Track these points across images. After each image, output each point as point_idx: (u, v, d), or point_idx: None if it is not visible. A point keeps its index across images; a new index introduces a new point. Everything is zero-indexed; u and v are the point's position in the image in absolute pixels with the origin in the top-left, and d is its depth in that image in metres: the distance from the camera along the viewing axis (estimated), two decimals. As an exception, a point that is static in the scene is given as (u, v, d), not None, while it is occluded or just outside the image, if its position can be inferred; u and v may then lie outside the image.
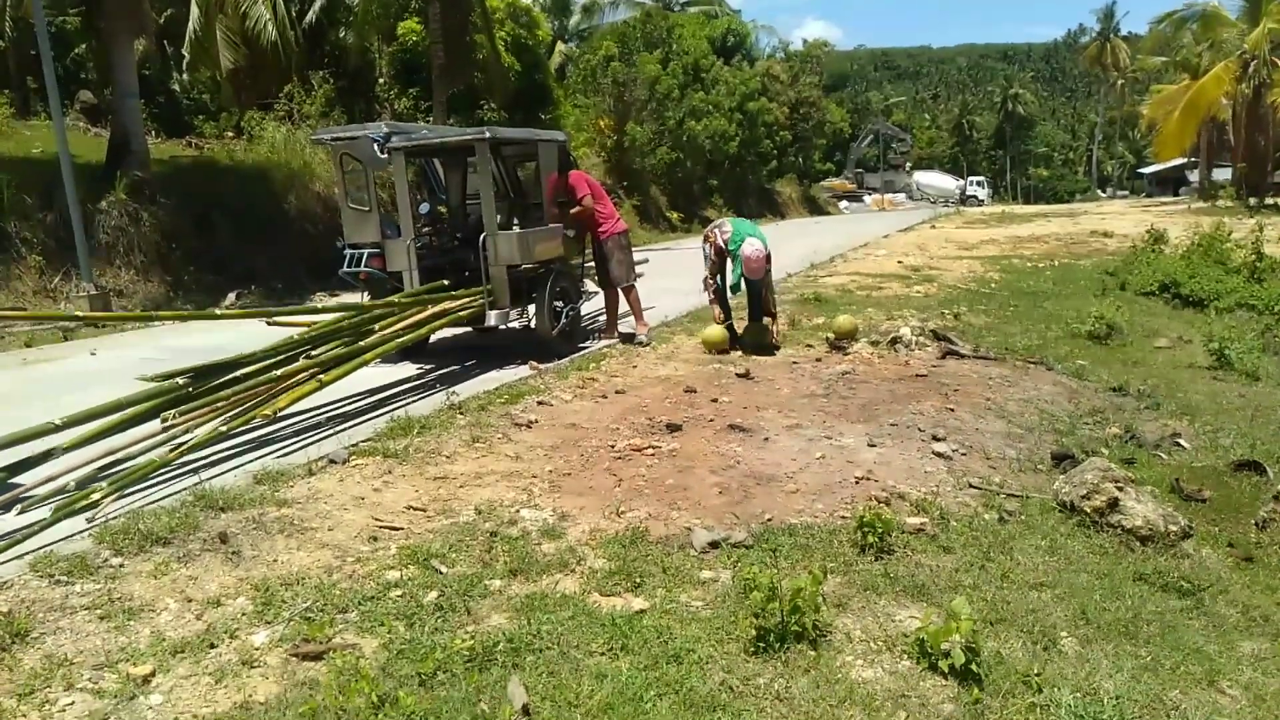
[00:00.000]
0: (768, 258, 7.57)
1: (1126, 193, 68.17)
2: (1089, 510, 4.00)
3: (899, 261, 15.61)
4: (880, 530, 3.61)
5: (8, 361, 8.38)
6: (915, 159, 69.25)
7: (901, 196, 58.79)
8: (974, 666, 2.74)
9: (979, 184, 62.43)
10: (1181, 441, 5.46)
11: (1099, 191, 72.48)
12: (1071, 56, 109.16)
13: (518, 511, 4.08)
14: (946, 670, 2.75)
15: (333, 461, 4.68)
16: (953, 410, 5.75)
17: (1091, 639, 3.06)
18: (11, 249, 11.50)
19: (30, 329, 10.19)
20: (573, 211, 8.01)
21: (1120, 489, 4.02)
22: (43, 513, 3.91)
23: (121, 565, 3.47)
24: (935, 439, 5.11)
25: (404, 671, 2.74)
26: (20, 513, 3.91)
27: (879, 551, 3.60)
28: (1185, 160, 44.72)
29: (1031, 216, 32.06)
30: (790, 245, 19.64)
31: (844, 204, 54.78)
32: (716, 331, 7.73)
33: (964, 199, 56.62)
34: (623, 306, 8.54)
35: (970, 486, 4.48)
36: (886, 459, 4.82)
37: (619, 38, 34.32)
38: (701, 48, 36.62)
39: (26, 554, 3.55)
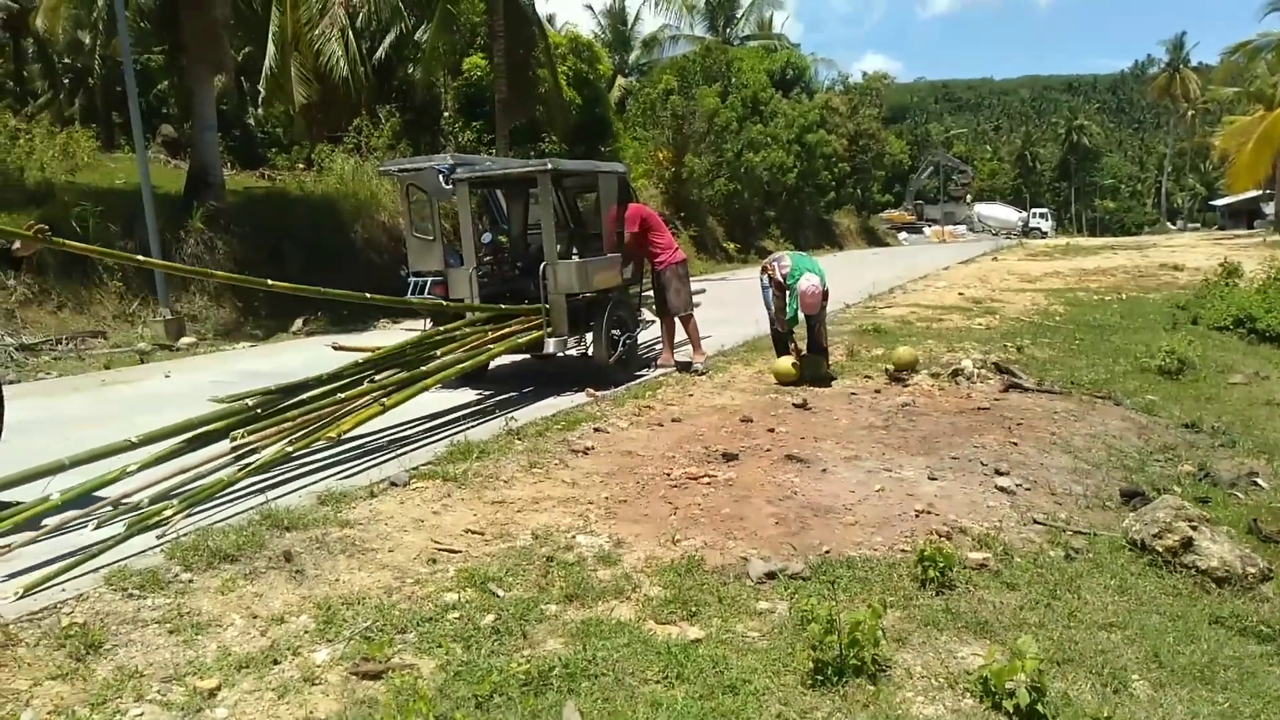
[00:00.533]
0: (825, 294, 7.54)
1: (1198, 225, 66.22)
2: (1161, 549, 3.87)
3: (960, 293, 15.38)
4: (941, 565, 3.53)
5: (87, 383, 8.72)
6: (976, 191, 68.30)
7: (962, 228, 57.90)
8: (1040, 707, 2.66)
9: (1042, 216, 61.16)
10: (1259, 480, 5.25)
11: (1168, 224, 70.55)
12: (1139, 87, 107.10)
13: (574, 537, 4.09)
14: (1011, 710, 2.67)
15: (394, 484, 4.77)
16: (1016, 444, 5.63)
17: (1164, 683, 2.95)
18: (95, 275, 12.00)
19: (108, 352, 10.60)
20: (627, 243, 8.12)
21: (1195, 528, 3.88)
22: (117, 528, 4.05)
23: (191, 581, 3.57)
24: (998, 473, 5.00)
25: (461, 693, 2.76)
26: (96, 528, 4.05)
27: (940, 586, 3.52)
28: (1260, 192, 43.39)
29: (1097, 249, 31.34)
30: (848, 276, 19.50)
31: (903, 235, 54.22)
32: (784, 363, 7.68)
33: (1027, 231, 55.50)
34: (679, 335, 8.56)
35: (1035, 522, 4.37)
36: (947, 492, 4.73)
37: (678, 71, 34.73)
38: (760, 81, 36.81)
39: (101, 568, 3.67)
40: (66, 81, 26.18)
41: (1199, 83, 61.12)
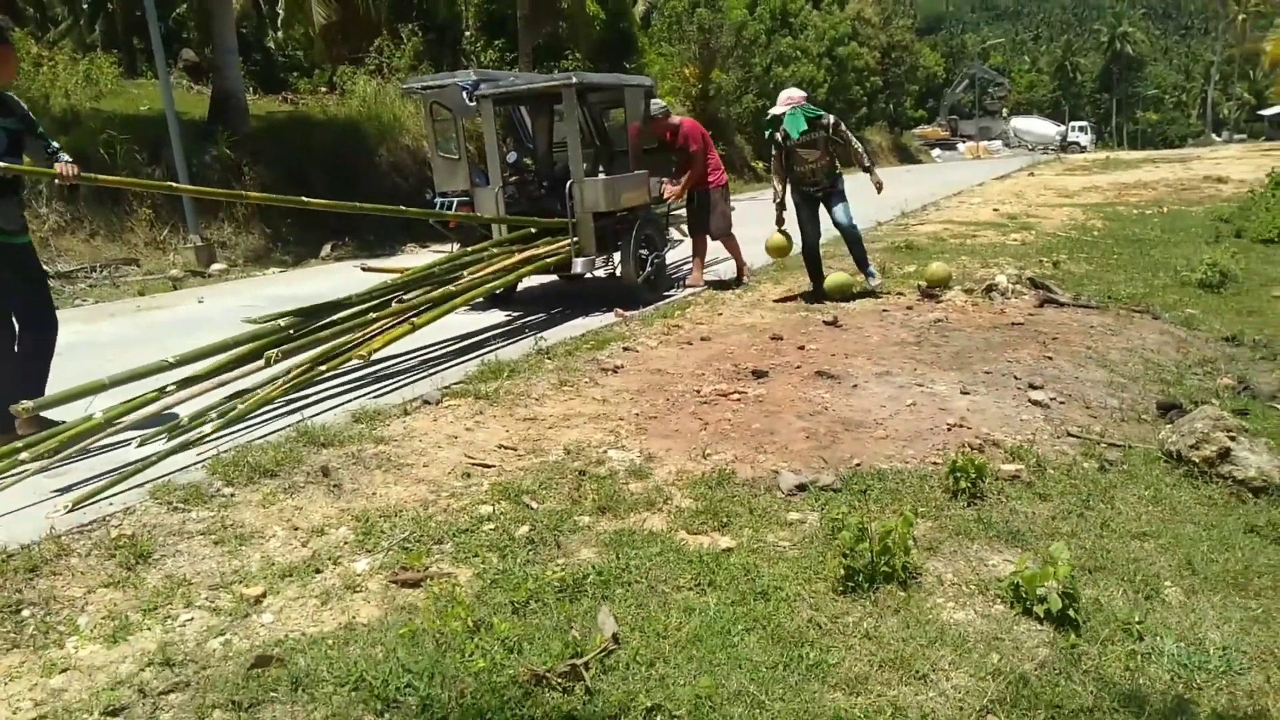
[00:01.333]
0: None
1: (1244, 137, 63.81)
2: (1198, 460, 3.83)
3: (994, 209, 15.05)
4: (973, 475, 3.53)
5: (123, 309, 8.85)
6: (1013, 104, 66.23)
7: (998, 144, 56.35)
8: (1071, 612, 2.67)
9: (1081, 129, 59.21)
10: (1301, 393, 5.16)
11: (1213, 136, 68.01)
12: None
13: (605, 452, 4.13)
14: (1042, 615, 2.69)
15: (426, 402, 4.82)
16: (1051, 359, 5.55)
17: (1197, 590, 2.94)
18: (126, 203, 12.06)
19: (142, 278, 10.72)
20: (689, 169, 8.10)
21: (1233, 438, 3.82)
22: (157, 446, 4.15)
23: (232, 495, 3.66)
24: (1032, 387, 4.95)
25: (497, 600, 2.83)
26: (139, 444, 4.14)
27: (971, 497, 3.52)
28: (1313, 100, 41.62)
29: (1139, 162, 30.42)
30: (881, 193, 19.14)
31: (936, 152, 52.93)
32: (776, 238, 7.71)
33: (1065, 145, 53.84)
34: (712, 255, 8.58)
35: (1069, 435, 4.33)
36: (980, 407, 4.70)
37: (704, -17, 33.62)
38: (790, -9, 35.61)
39: (146, 483, 3.77)
40: (86, 7, 25.88)
41: (1253, -15, 58.24)
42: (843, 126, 7.52)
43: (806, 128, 7.34)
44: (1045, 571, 2.72)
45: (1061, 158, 39.89)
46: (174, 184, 6.00)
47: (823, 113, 7.48)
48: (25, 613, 2.82)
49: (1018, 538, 3.24)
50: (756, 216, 10.00)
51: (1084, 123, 62.15)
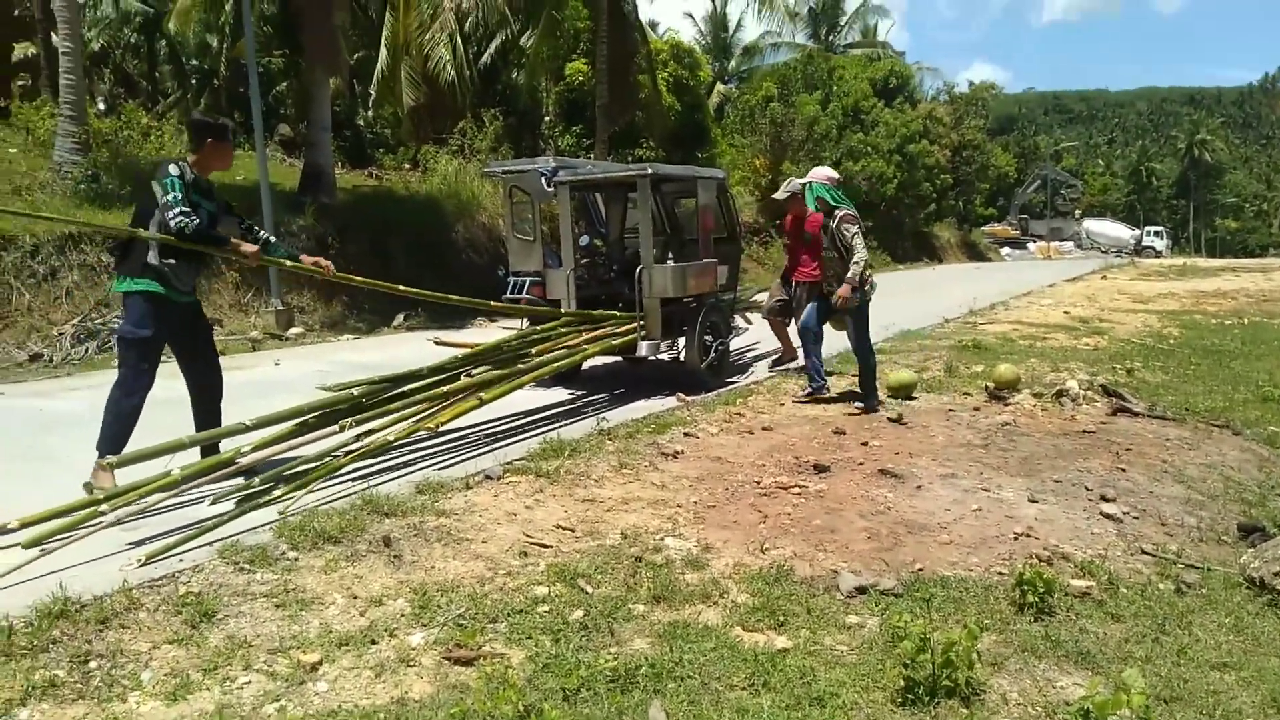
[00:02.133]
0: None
1: (1330, 249, 62.14)
2: (1282, 589, 3.65)
3: (1066, 312, 14.83)
4: (1041, 590, 3.41)
5: (204, 367, 9.17)
6: (1086, 206, 65.77)
7: (1069, 245, 55.77)
8: (1145, 745, 2.55)
9: (1157, 234, 58.32)
10: (1395, 523, 4.90)
11: (1296, 246, 66.41)
12: (1268, 101, 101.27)
13: (662, 539, 4.12)
14: (1114, 745, 2.57)
15: (488, 477, 4.88)
16: (1124, 470, 5.39)
17: (1282, 729, 2.78)
18: (215, 266, 12.63)
19: (224, 340, 11.13)
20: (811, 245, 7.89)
21: (1320, 568, 3.65)
22: (230, 505, 4.26)
23: (296, 559, 3.73)
24: (1104, 499, 4.80)
25: (549, 685, 2.81)
26: (212, 503, 4.27)
27: (1039, 612, 3.41)
28: (1403, 215, 40.43)
29: (1217, 270, 29.77)
30: (949, 290, 19.05)
31: (1006, 250, 52.57)
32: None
33: (1139, 249, 53.03)
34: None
35: (1143, 553, 4.17)
36: (1049, 516, 4.57)
37: (779, 79, 34.58)
38: (862, 89, 36.31)
39: (215, 542, 3.87)
40: (194, 82, 27.68)
41: (1337, 97, 57.39)
42: (846, 225, 6.79)
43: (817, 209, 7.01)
44: (1118, 699, 2.60)
45: (1136, 262, 39.25)
46: (402, 287, 6.73)
47: (836, 202, 6.90)
48: (92, 664, 2.89)
49: (1088, 659, 3.12)
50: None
51: (1159, 228, 61.25)
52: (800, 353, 8.35)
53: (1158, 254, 51.87)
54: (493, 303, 7.43)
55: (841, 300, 6.75)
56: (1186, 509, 4.83)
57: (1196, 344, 11.32)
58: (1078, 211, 62.33)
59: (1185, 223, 71.49)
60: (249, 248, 4.92)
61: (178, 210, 4.53)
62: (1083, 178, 69.44)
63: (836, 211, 6.85)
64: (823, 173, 7.25)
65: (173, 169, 4.62)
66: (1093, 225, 59.71)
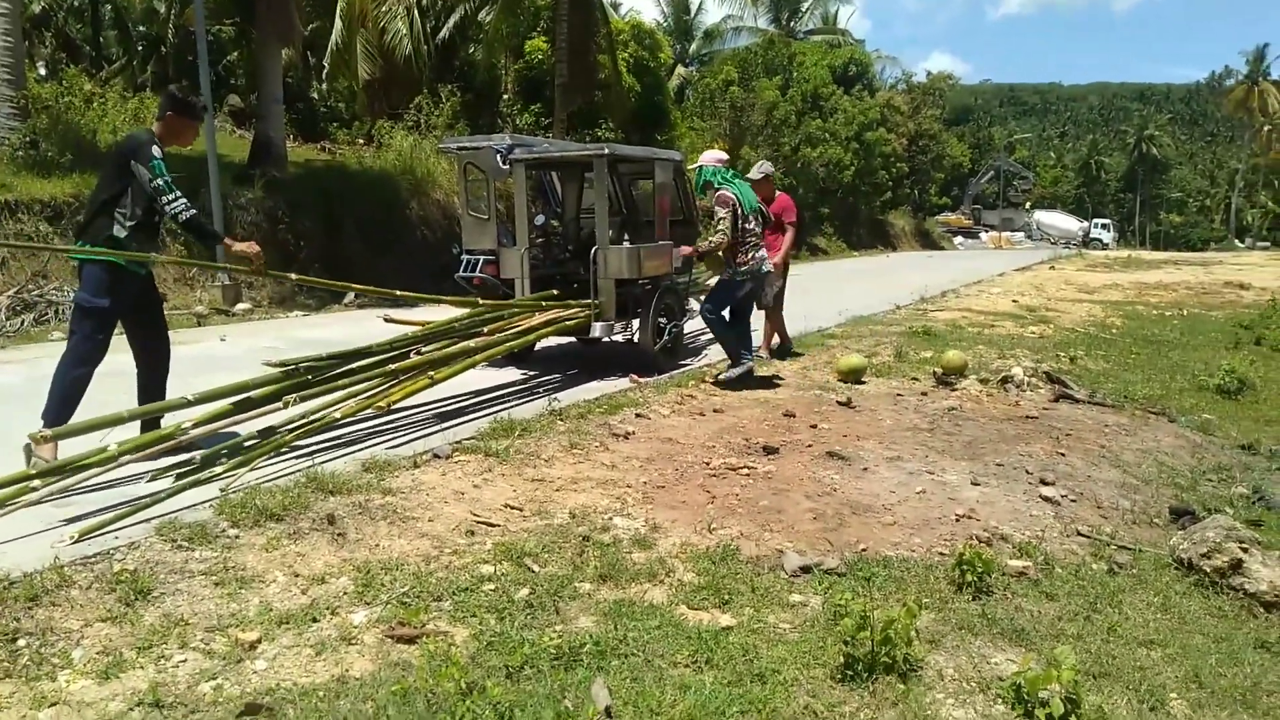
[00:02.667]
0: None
1: (1267, 244, 63.98)
2: (1209, 570, 3.77)
3: (1014, 300, 15.12)
4: (980, 570, 3.49)
5: (147, 342, 8.95)
6: (1037, 198, 66.91)
7: (1020, 235, 56.77)
8: (1073, 719, 2.62)
9: (1104, 227, 59.64)
10: (1317, 507, 5.09)
11: (1236, 242, 68.30)
12: (1214, 99, 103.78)
13: (611, 519, 4.12)
14: (1043, 719, 2.64)
15: (436, 456, 4.84)
16: (1064, 455, 5.53)
17: (1203, 704, 2.88)
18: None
19: (168, 314, 10.88)
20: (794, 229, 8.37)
21: (1245, 550, 3.77)
22: (167, 482, 4.17)
23: (237, 537, 3.66)
24: (1043, 483, 4.92)
25: (492, 662, 2.81)
26: (151, 479, 4.17)
27: (977, 591, 3.48)
28: (1337, 213, 41.82)
29: (1160, 263, 30.55)
30: (901, 278, 19.29)
31: (959, 240, 53.39)
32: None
33: (1087, 241, 54.18)
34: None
35: (1079, 534, 4.29)
36: (990, 499, 4.67)
37: (739, 63, 34.53)
38: (822, 76, 36.48)
39: (153, 519, 3.79)
40: (140, 49, 26.86)
41: (1279, 96, 59.10)
42: (718, 205, 7.05)
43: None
44: (1049, 674, 2.67)
45: (1083, 253, 40.09)
46: (355, 285, 6.71)
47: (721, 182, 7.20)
48: (21, 642, 2.81)
49: (1022, 637, 3.20)
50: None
51: (1107, 220, 62.64)
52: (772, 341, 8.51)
53: (1104, 246, 53.06)
54: (445, 298, 7.31)
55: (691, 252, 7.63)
56: (1121, 493, 4.96)
57: (1137, 334, 11.63)
58: (1029, 203, 63.42)
59: (1131, 216, 73.19)
60: (242, 247, 5.03)
61: (176, 198, 4.62)
62: (1035, 170, 70.62)
63: (718, 191, 7.12)
64: (712, 155, 7.59)
65: (155, 150, 4.60)
66: (1043, 217, 60.85)
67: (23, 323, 9.74)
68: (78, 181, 11.82)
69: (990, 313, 13.16)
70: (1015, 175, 62.02)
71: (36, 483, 3.91)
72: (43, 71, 21.76)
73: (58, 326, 9.82)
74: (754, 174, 8.28)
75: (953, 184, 60.49)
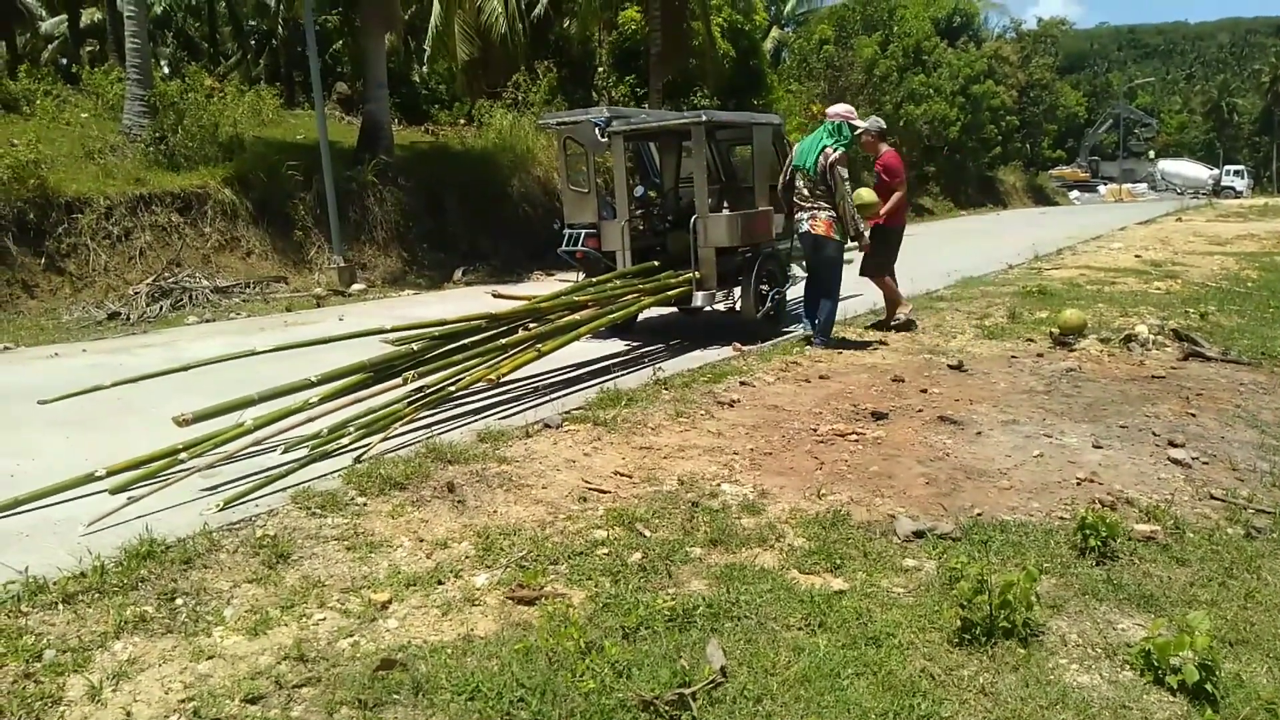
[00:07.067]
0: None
1: None
2: (1359, 534, 3.55)
3: (1137, 255, 14.35)
4: (1104, 534, 3.37)
5: (272, 323, 9.48)
6: (1161, 146, 63.04)
7: (1142, 187, 53.62)
8: (1209, 686, 2.52)
9: (1237, 173, 55.57)
10: None
11: (1391, 184, 62.73)
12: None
13: (719, 485, 4.16)
14: (1175, 686, 2.55)
15: (548, 426, 4.97)
16: (1194, 416, 5.26)
17: (1354, 674, 2.73)
18: (278, 223, 12.94)
19: (290, 295, 11.44)
20: (894, 198, 7.83)
21: (1401, 513, 3.53)
22: (301, 453, 4.43)
23: (365, 504, 3.87)
24: (1172, 444, 4.69)
25: (609, 623, 2.89)
26: (284, 452, 4.44)
27: (1101, 556, 3.37)
28: None
29: (1302, 210, 28.38)
30: (1013, 236, 18.55)
31: (1075, 194, 50.84)
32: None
33: (1218, 190, 50.69)
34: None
35: (1212, 498, 4.08)
36: (1113, 462, 4.49)
37: (836, 21, 33.61)
38: (924, 29, 35.14)
39: (288, 488, 4.04)
40: (253, 42, 28.06)
41: None
42: (840, 170, 6.94)
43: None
44: (1181, 640, 2.58)
45: (1214, 203, 37.60)
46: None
47: (828, 144, 6.99)
48: (179, 601, 3.06)
49: (1151, 603, 3.08)
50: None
51: (1240, 166, 58.38)
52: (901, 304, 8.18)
53: (1238, 194, 49.53)
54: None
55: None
56: (1259, 454, 4.69)
57: (1276, 286, 10.86)
58: (1152, 152, 59.80)
59: (1268, 161, 67.90)
60: None
61: None
62: (1158, 116, 66.56)
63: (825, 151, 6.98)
64: (841, 109, 7.38)
65: None
66: (1168, 166, 57.22)
67: (160, 309, 10.40)
68: (204, 174, 12.51)
69: (1111, 269, 12.53)
70: (1136, 123, 58.58)
71: (183, 455, 4.21)
72: (166, 70, 22.99)
73: (193, 311, 10.46)
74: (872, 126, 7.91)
75: (1068, 136, 57.56)
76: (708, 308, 7.64)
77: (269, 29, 26.89)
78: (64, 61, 23.99)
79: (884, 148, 8.03)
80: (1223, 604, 3.09)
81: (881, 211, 7.65)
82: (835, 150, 6.94)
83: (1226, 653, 2.76)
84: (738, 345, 7.34)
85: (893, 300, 8.18)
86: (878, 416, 5.24)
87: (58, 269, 10.61)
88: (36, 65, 19.58)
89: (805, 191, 7.12)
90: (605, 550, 3.45)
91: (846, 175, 7.00)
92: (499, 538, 3.56)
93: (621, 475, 4.31)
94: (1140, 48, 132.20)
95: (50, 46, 25.89)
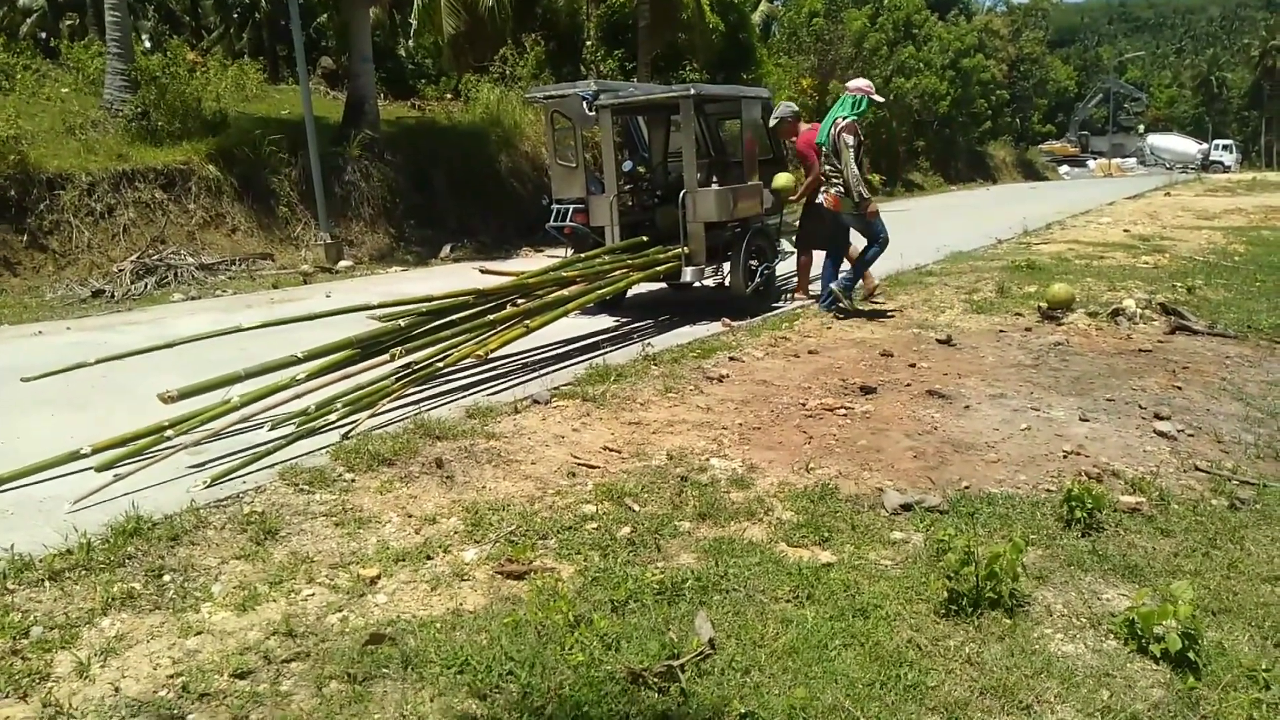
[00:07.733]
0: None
1: None
2: (1341, 504, 3.58)
3: (1125, 230, 14.37)
4: (1090, 505, 3.40)
5: (258, 300, 9.40)
6: (1150, 120, 62.92)
7: (1131, 161, 53.58)
8: (1191, 654, 2.55)
9: (1225, 148, 55.50)
10: None
11: (1378, 158, 62.85)
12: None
13: (707, 460, 4.17)
14: (1158, 655, 2.58)
15: (536, 401, 4.96)
16: (1180, 389, 5.29)
17: (1334, 641, 2.76)
18: (264, 200, 12.81)
19: (276, 272, 11.35)
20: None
21: (1382, 484, 3.57)
22: (288, 430, 4.41)
23: (353, 480, 3.86)
24: (1158, 417, 4.72)
25: (598, 597, 2.90)
26: (271, 429, 4.42)
27: (1087, 528, 3.39)
28: None
29: (1289, 185, 28.46)
30: (1002, 211, 18.54)
31: (1064, 169, 50.82)
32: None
33: (1206, 164, 50.71)
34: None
35: (1197, 469, 4.12)
36: (1100, 435, 4.52)
37: (827, -7, 33.27)
38: (914, 2, 34.89)
39: (276, 465, 4.02)
40: (236, 16, 27.64)
41: None
42: (845, 138, 7.08)
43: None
44: (1164, 609, 2.61)
45: (1202, 178, 37.64)
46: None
47: (840, 115, 7.18)
48: (166, 577, 3.05)
49: (1135, 573, 3.11)
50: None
51: (1229, 141, 58.37)
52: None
53: (1226, 169, 49.57)
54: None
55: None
56: (1244, 426, 4.73)
57: (1263, 260, 10.90)
58: (1142, 126, 59.69)
59: (1256, 135, 67.92)
60: None
61: None
62: (1148, 90, 66.38)
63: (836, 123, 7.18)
64: (861, 83, 7.47)
65: None
66: (1157, 140, 57.17)
67: (145, 286, 10.31)
68: (187, 150, 12.36)
69: (1099, 243, 12.55)
70: (1126, 97, 58.46)
71: (170, 433, 4.18)
72: (148, 44, 22.63)
73: (177, 289, 10.38)
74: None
75: (1058, 110, 57.47)
76: (697, 283, 7.63)
77: (251, 2, 26.50)
78: (43, 35, 23.60)
79: (804, 128, 8.27)
80: (1206, 574, 3.12)
81: (799, 192, 8.10)
82: (845, 120, 7.09)
83: (1209, 622, 2.79)
84: (727, 320, 7.34)
85: (803, 277, 8.50)
86: (866, 391, 5.25)
87: (40, 246, 10.49)
88: (15, 39, 19.25)
89: (827, 167, 7.29)
90: (594, 525, 3.45)
91: (852, 144, 7.10)
92: (488, 513, 3.56)
93: (610, 450, 4.30)
94: (1130, 20, 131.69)
95: (29, 20, 25.44)
